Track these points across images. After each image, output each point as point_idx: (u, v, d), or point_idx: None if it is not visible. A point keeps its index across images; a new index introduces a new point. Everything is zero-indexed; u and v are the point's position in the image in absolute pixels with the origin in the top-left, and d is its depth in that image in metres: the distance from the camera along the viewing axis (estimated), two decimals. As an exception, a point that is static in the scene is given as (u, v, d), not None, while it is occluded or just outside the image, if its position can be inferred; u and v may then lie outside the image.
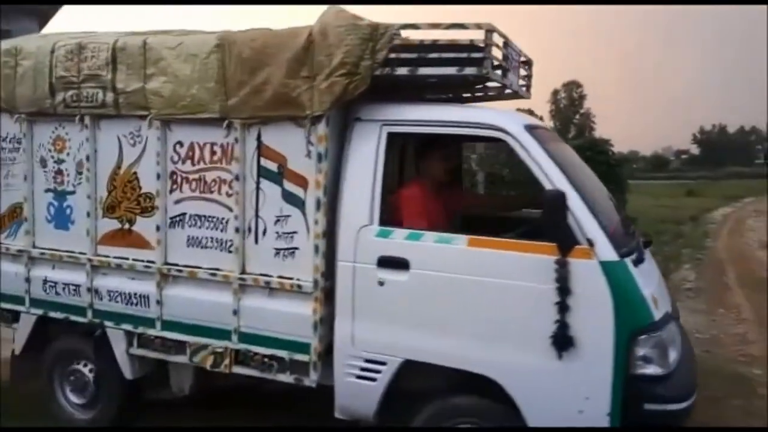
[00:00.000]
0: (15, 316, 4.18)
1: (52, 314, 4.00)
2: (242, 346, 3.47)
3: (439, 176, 3.48)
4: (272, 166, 3.37)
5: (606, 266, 2.76)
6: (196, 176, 3.55)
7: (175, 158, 3.59)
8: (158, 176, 3.61)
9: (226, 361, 3.53)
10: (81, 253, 3.87)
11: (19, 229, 4.09)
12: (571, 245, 2.77)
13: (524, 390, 2.90)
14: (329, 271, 3.27)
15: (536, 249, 2.86)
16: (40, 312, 4.04)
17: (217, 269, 3.52)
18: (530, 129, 3.07)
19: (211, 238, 3.54)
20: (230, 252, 3.49)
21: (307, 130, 3.22)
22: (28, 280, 4.04)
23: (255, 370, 3.49)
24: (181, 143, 3.57)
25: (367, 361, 3.18)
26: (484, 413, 3.06)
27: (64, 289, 3.94)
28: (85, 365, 4.03)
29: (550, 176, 2.88)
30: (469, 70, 3.11)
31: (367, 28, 3.07)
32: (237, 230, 3.43)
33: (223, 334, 3.51)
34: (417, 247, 3.07)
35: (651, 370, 2.77)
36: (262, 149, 3.37)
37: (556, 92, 64.19)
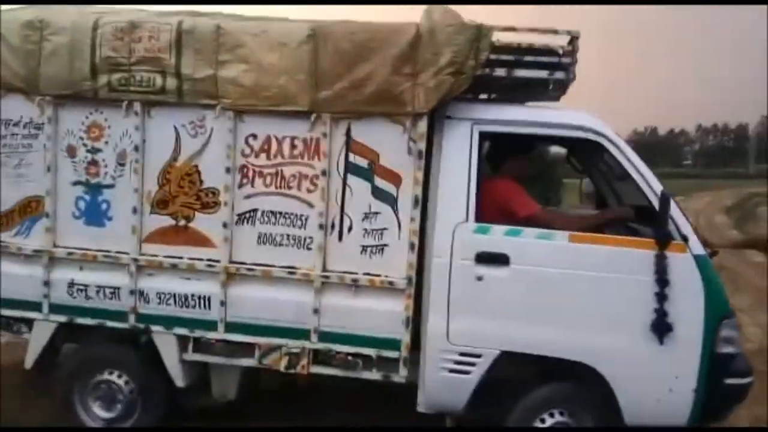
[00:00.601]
0: (26, 325, 3.70)
1: (81, 321, 3.60)
2: (322, 346, 3.39)
3: (522, 177, 3.63)
4: (362, 162, 3.33)
5: (698, 259, 3.10)
6: (272, 171, 3.40)
7: (247, 151, 3.41)
8: (227, 170, 3.40)
9: (304, 362, 3.43)
10: (122, 252, 3.53)
11: (35, 225, 3.63)
12: (668, 240, 3.07)
13: (620, 374, 3.15)
14: (417, 268, 3.31)
15: (635, 244, 3.13)
16: (62, 319, 3.62)
17: (294, 267, 3.40)
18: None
19: (288, 235, 3.41)
20: (309, 249, 3.39)
21: (408, 127, 3.23)
22: (47, 283, 3.60)
23: (337, 369, 3.42)
24: (254, 136, 3.40)
25: (462, 354, 3.26)
26: (575, 400, 3.28)
27: (98, 292, 3.56)
28: (119, 375, 3.66)
29: (647, 177, 3.16)
30: (558, 74, 3.31)
31: (473, 28, 3.15)
32: (321, 227, 3.34)
33: (300, 333, 3.41)
34: (517, 243, 3.21)
35: (730, 349, 3.15)
36: (351, 145, 3.32)
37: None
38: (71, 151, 3.56)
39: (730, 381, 3.14)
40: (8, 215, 3.66)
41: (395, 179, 3.29)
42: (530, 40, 3.34)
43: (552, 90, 3.63)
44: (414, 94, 3.18)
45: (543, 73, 3.31)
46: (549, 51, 3.29)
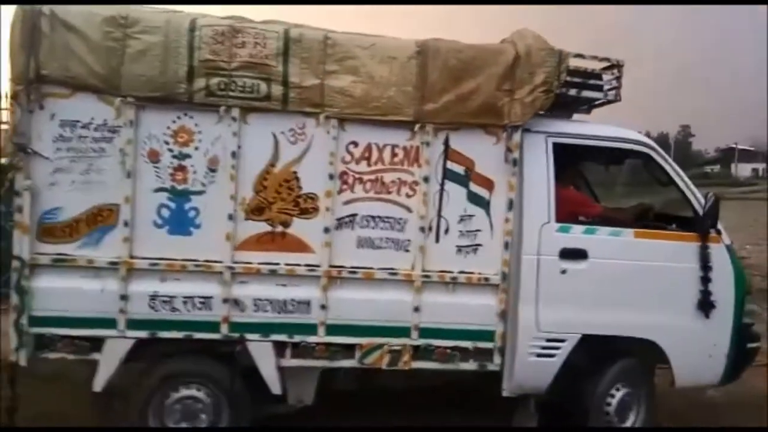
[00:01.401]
0: (90, 344, 3.41)
1: (165, 334, 3.42)
2: (422, 342, 3.60)
3: (577, 184, 4.13)
4: (459, 169, 3.61)
5: (728, 248, 3.84)
6: (372, 177, 3.54)
7: (348, 158, 3.51)
8: (330, 176, 3.47)
9: (405, 358, 3.60)
10: (214, 260, 3.43)
11: (106, 236, 3.37)
12: (709, 234, 3.78)
13: (675, 346, 3.79)
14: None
15: (685, 237, 3.80)
16: (143, 334, 3.40)
17: (393, 268, 3.57)
18: None
19: (386, 238, 3.57)
20: (407, 251, 3.58)
21: (504, 137, 3.59)
22: (125, 297, 3.36)
23: (436, 363, 3.64)
24: (355, 143, 3.51)
25: (549, 340, 3.69)
26: (636, 375, 3.87)
27: (185, 303, 3.41)
28: (201, 389, 3.52)
29: (688, 183, 3.85)
30: (609, 95, 3.90)
31: (558, 53, 3.60)
32: (422, 230, 3.56)
33: (401, 331, 3.58)
34: (594, 240, 3.71)
35: (749, 320, 3.93)
36: (449, 153, 3.58)
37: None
38: (153, 156, 3.38)
39: (749, 345, 3.93)
40: (72, 225, 3.36)
41: (488, 185, 3.62)
42: (576, 64, 3.88)
43: (587, 107, 4.21)
44: (511, 108, 3.55)
45: (599, 94, 3.87)
46: (599, 75, 3.86)
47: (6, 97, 3.30)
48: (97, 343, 3.40)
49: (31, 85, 3.23)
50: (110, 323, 3.37)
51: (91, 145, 3.34)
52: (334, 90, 3.42)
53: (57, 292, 3.34)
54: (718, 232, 3.83)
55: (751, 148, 61.61)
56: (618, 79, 3.90)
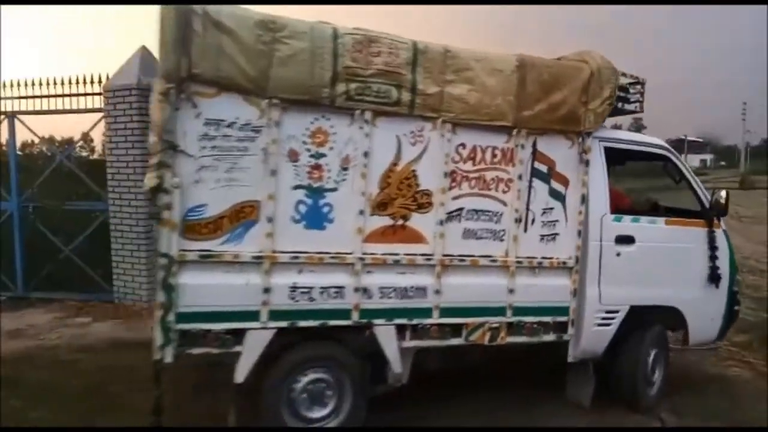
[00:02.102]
0: (233, 336, 3.51)
1: (303, 323, 3.62)
2: (515, 319, 4.15)
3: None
4: (543, 169, 4.19)
5: (725, 232, 4.84)
6: (476, 175, 4.00)
7: (457, 158, 3.93)
8: (444, 175, 3.88)
9: (502, 334, 4.13)
10: (346, 253, 3.69)
11: (247, 232, 3.49)
12: (713, 220, 4.74)
13: (692, 311, 4.71)
14: None
15: (698, 224, 4.72)
16: (283, 324, 3.57)
17: (491, 256, 4.07)
18: None
19: (486, 229, 4.06)
20: (502, 240, 4.11)
21: (579, 142, 4.23)
22: (267, 290, 3.52)
23: (525, 337, 4.21)
24: (463, 145, 3.94)
25: (607, 312, 4.42)
26: (663, 338, 4.74)
27: (322, 293, 3.64)
28: (330, 373, 3.76)
29: (698, 181, 4.77)
30: (637, 107, 4.72)
31: (617, 71, 4.32)
32: (515, 221, 4.10)
33: (498, 311, 4.10)
34: (638, 227, 4.50)
35: (736, 288, 4.98)
36: (536, 155, 4.15)
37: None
38: (293, 156, 3.55)
39: (735, 308, 4.98)
40: (216, 222, 3.44)
41: (565, 182, 4.25)
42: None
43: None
44: (586, 117, 4.20)
45: (632, 107, 4.66)
46: (627, 89, 4.64)
47: (156, 93, 3.27)
48: (239, 336, 3.51)
49: (183, 84, 3.27)
50: (253, 315, 3.50)
51: (235, 143, 3.43)
52: (453, 97, 3.82)
53: (203, 288, 3.40)
54: (718, 220, 4.80)
55: (700, 140, 67.99)
56: (642, 94, 4.71)
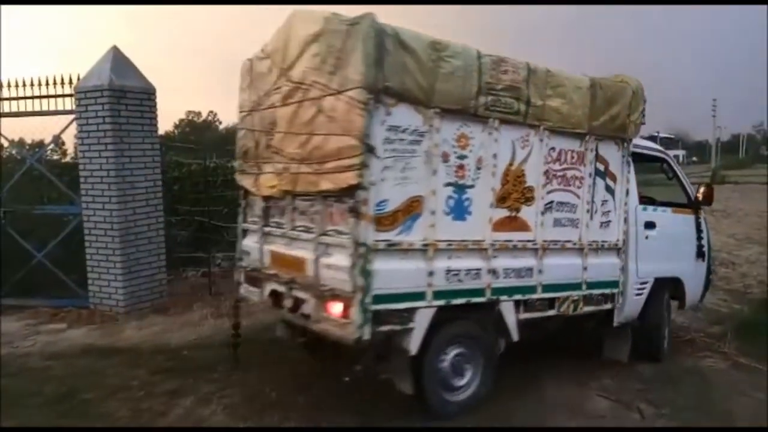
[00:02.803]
0: (407, 314, 4.02)
1: (455, 302, 4.21)
2: (587, 292, 5.07)
3: None
4: (601, 168, 5.17)
5: (704, 218, 6.21)
6: (562, 174, 4.87)
7: (549, 160, 4.77)
8: (544, 174, 4.70)
9: (581, 305, 5.03)
10: (481, 240, 4.35)
11: (414, 223, 4.03)
12: (699, 210, 6.09)
13: (688, 281, 6.02)
14: None
15: (690, 212, 6.03)
16: (442, 303, 4.14)
17: (571, 241, 4.97)
18: None
19: (568, 218, 4.95)
20: (576, 227, 5.02)
21: (624, 147, 5.28)
22: (431, 273, 4.08)
23: (593, 306, 5.15)
24: (553, 149, 4.79)
25: (641, 283, 5.52)
26: (668, 303, 5.95)
27: (466, 275, 4.26)
28: (464, 345, 4.39)
29: (686, 178, 6.08)
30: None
31: (643, 91, 5.44)
32: (586, 212, 5.03)
33: (578, 286, 5.00)
34: (656, 215, 5.68)
35: (711, 261, 6.38)
36: (598, 157, 5.12)
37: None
38: (445, 157, 4.15)
39: (711, 276, 6.38)
40: (394, 215, 3.93)
41: (614, 179, 5.28)
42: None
43: None
44: (629, 127, 5.26)
45: (644, 119, 5.84)
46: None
47: (353, 101, 3.70)
48: (411, 314, 4.02)
49: (378, 95, 3.74)
50: (421, 296, 4.04)
51: (407, 146, 3.96)
52: (552, 109, 4.66)
53: (389, 273, 3.87)
54: (700, 208, 6.15)
55: (672, 136, 71.99)
56: (645, 107, 5.91)
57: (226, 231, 9.46)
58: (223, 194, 9.83)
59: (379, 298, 3.83)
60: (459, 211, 4.26)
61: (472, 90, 4.17)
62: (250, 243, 5.06)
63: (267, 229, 4.83)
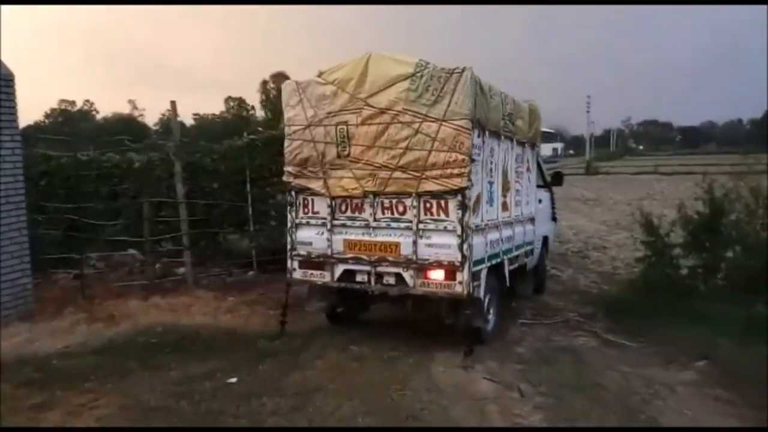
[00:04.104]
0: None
1: (493, 262, 6.17)
2: (528, 248, 7.50)
3: None
4: (528, 164, 7.59)
5: (553, 192, 9.22)
6: (518, 170, 7.09)
7: (515, 161, 6.95)
8: (515, 170, 6.91)
9: (524, 257, 7.41)
10: (497, 219, 6.37)
11: (480, 210, 5.83)
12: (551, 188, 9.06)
13: (550, 236, 8.94)
14: None
15: (547, 189, 8.93)
16: (490, 264, 6.07)
17: (522, 215, 7.31)
18: None
19: (520, 200, 7.24)
20: (523, 206, 7.38)
21: (534, 149, 7.81)
22: (486, 244, 5.97)
23: (527, 258, 7.59)
24: (518, 154, 7.01)
25: (538, 240, 8.19)
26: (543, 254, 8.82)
27: (495, 243, 6.26)
28: (491, 292, 6.38)
29: (543, 167, 8.94)
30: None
31: None
32: (526, 195, 7.42)
33: (525, 245, 7.37)
34: (540, 193, 8.38)
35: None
36: (527, 157, 7.51)
37: (265, 83, 57.30)
38: (486, 163, 6.03)
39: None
40: (475, 206, 5.66)
41: (531, 171, 7.76)
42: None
43: None
44: (538, 136, 7.78)
45: None
46: None
47: (462, 128, 5.31)
48: (479, 273, 5.84)
49: (473, 122, 5.42)
50: (482, 261, 5.90)
51: (476, 157, 5.71)
52: (518, 127, 6.84)
53: (476, 246, 5.64)
54: (551, 187, 9.09)
55: (551, 131, 68.79)
56: None
57: (102, 229, 9.33)
58: (98, 190, 9.57)
59: (475, 263, 5.58)
60: (491, 200, 6.21)
61: (501, 117, 6.13)
62: (310, 234, 6.13)
63: (337, 222, 5.99)
